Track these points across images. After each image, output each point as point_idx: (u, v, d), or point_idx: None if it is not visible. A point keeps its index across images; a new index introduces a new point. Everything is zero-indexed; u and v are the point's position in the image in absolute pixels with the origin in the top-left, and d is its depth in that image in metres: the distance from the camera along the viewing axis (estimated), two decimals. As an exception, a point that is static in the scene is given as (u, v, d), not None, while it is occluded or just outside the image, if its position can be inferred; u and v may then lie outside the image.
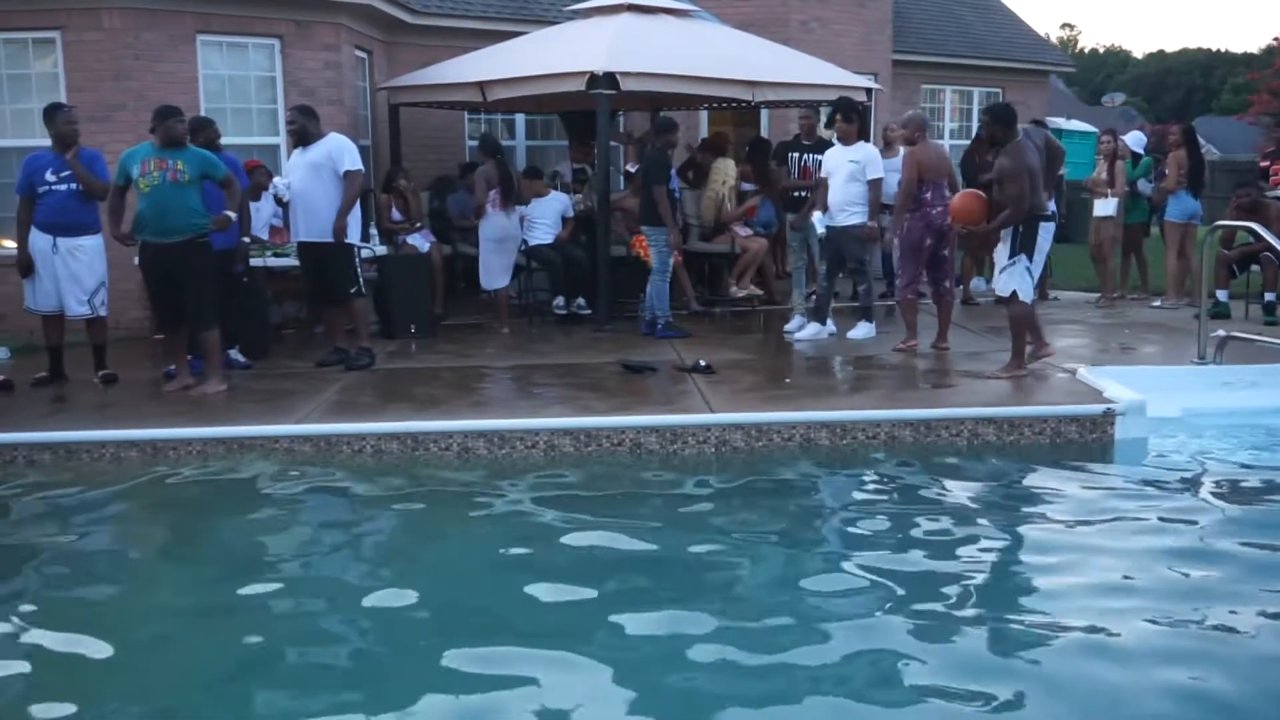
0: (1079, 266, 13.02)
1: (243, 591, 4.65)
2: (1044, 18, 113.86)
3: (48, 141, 7.88)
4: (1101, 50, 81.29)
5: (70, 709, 3.65)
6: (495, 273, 10.01)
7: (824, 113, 10.85)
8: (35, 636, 4.23)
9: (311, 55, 10.52)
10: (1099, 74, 67.41)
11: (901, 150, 9.35)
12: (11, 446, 6.44)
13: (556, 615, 4.37)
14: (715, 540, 5.19)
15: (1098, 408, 6.73)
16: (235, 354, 8.38)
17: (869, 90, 11.70)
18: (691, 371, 7.89)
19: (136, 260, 7.82)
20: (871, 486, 6.09)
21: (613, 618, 4.28)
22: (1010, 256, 7.55)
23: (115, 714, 3.70)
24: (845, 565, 4.91)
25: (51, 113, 7.86)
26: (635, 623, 4.26)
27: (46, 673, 3.95)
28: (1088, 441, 6.64)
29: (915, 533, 5.23)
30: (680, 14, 11.24)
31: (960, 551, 5.01)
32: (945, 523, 5.37)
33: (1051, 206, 8.18)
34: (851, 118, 9.08)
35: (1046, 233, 7.77)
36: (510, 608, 4.44)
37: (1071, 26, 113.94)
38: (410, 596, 4.55)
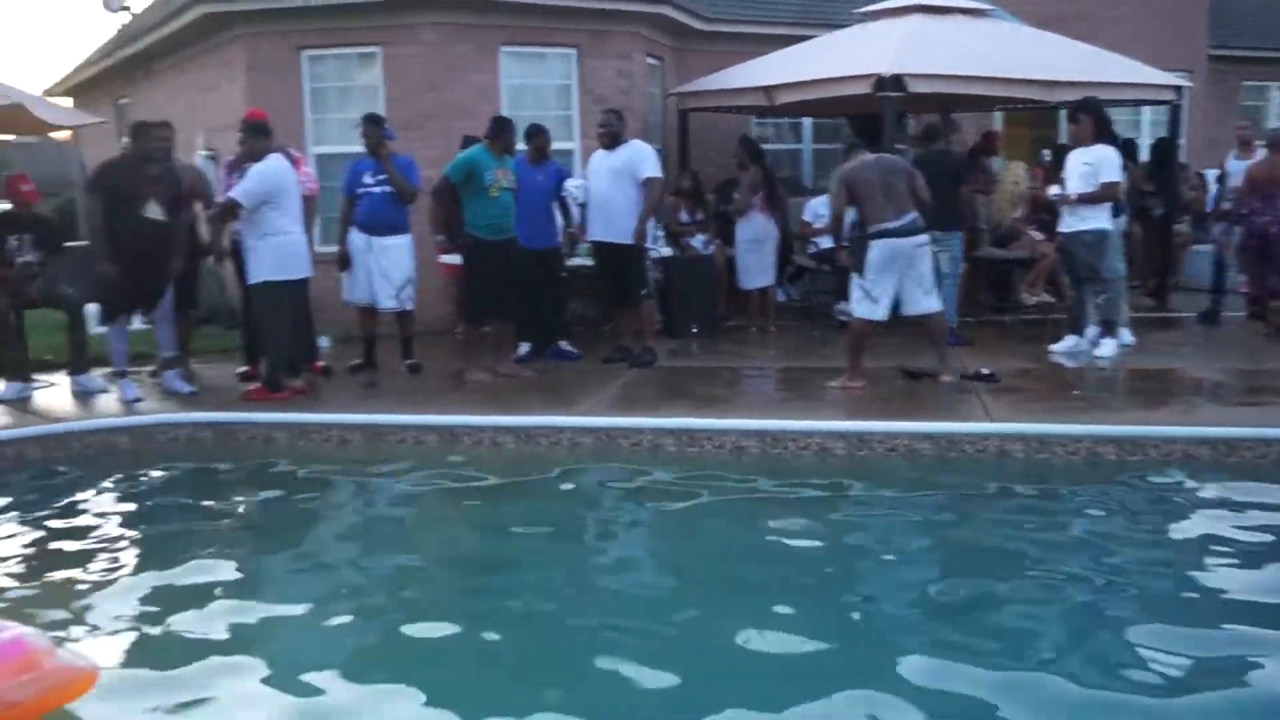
0: None
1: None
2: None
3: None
4: None
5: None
6: (753, 273, 10.22)
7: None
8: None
9: (606, 63, 10.95)
10: None
11: (1259, 152, 9.71)
12: (327, 426, 7.06)
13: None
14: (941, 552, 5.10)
15: None
16: (566, 345, 9.06)
17: (1178, 88, 11.05)
18: (973, 379, 7.71)
19: (457, 258, 8.39)
20: (1137, 505, 5.73)
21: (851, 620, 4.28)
22: None
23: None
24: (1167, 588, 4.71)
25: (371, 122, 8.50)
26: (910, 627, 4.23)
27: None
28: None
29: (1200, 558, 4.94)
30: (974, 13, 10.96)
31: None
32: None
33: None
34: (1078, 118, 8.61)
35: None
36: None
37: None
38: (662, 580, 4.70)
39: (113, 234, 7.45)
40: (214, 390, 8.01)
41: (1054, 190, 8.83)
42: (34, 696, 3.21)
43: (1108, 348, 8.58)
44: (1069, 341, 8.83)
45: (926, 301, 7.61)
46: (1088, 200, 8.35)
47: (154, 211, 7.56)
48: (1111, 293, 8.66)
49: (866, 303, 7.59)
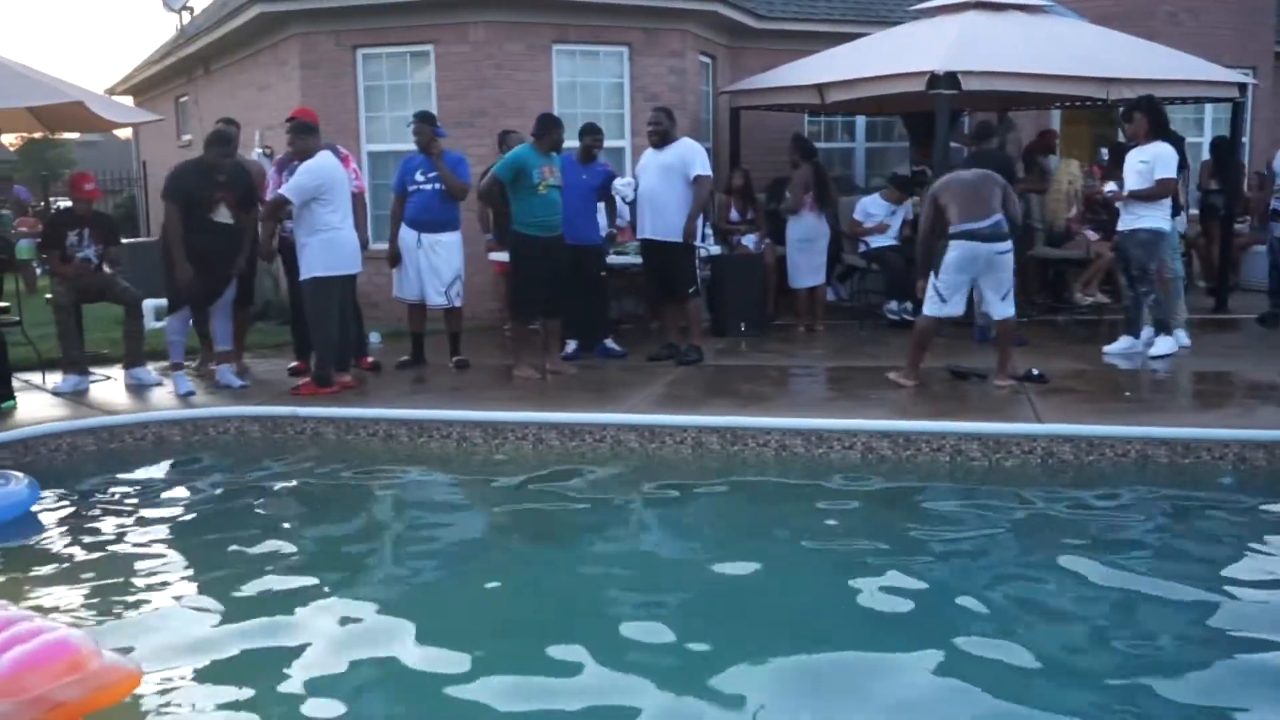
0: None
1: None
2: None
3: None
4: None
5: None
6: (803, 271, 10.19)
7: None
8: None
9: (658, 62, 10.94)
10: None
11: None
12: (374, 421, 7.12)
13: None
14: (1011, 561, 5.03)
15: None
16: (612, 343, 9.04)
17: (1242, 86, 10.84)
18: (1024, 380, 7.61)
19: (507, 255, 8.43)
20: (1186, 510, 5.62)
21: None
22: None
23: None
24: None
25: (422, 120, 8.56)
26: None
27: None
28: None
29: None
30: (1031, 10, 10.82)
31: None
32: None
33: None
34: (1132, 116, 8.46)
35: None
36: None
37: None
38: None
39: (186, 238, 7.59)
40: (264, 384, 8.10)
41: (1109, 187, 8.70)
42: (78, 697, 3.25)
43: (1163, 347, 8.43)
44: (1124, 342, 8.69)
45: (1002, 307, 7.53)
46: (1141, 197, 8.21)
47: (223, 215, 7.74)
48: (1161, 293, 8.51)
49: (935, 301, 7.57)
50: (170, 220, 7.69)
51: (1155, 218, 8.26)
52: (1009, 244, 7.46)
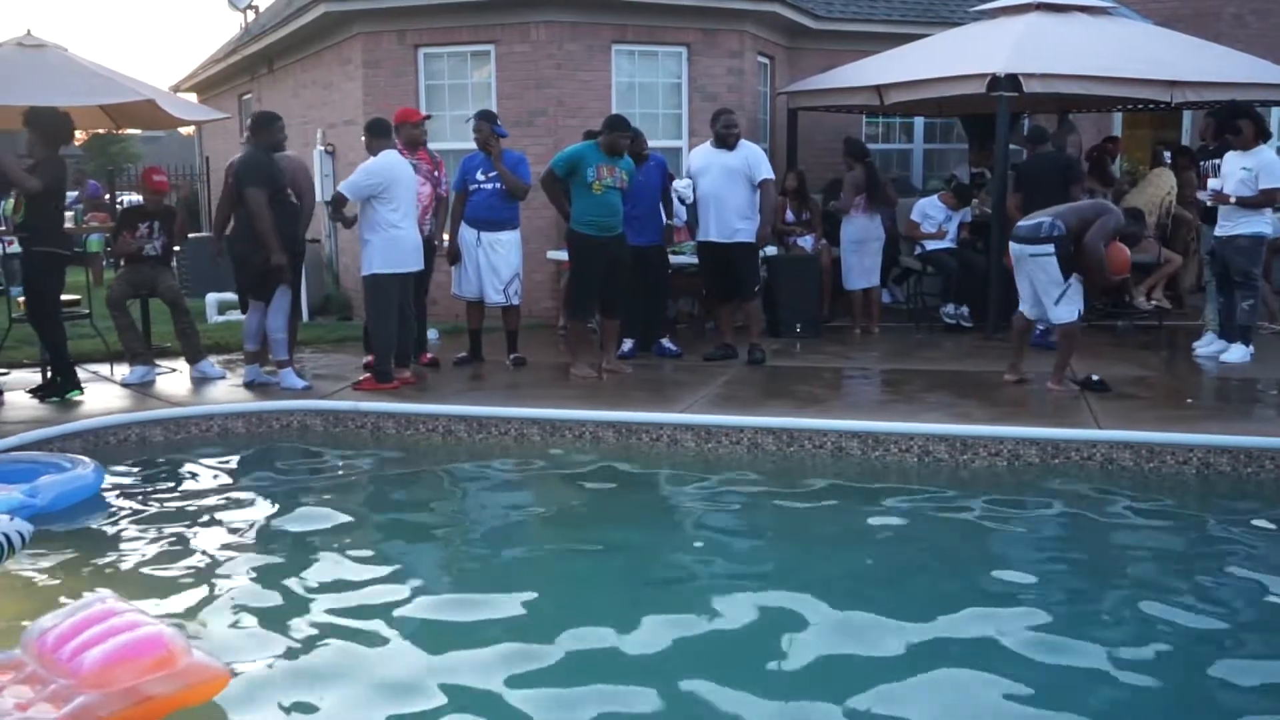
0: None
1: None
2: None
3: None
4: None
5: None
6: (856, 273, 10.20)
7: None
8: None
9: (716, 62, 10.97)
10: None
11: None
12: (434, 417, 7.21)
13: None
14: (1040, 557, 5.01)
15: None
16: (668, 343, 9.09)
17: (1310, 90, 10.66)
18: (1084, 386, 7.56)
19: (566, 254, 8.50)
20: (1250, 521, 5.57)
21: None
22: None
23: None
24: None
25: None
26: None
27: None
28: None
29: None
30: (1095, 11, 10.72)
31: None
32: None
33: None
34: (1239, 126, 8.37)
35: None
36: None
37: None
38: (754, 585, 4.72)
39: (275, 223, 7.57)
40: (326, 379, 8.22)
41: (1212, 184, 8.58)
42: (167, 693, 3.31)
43: (1237, 354, 8.40)
44: (1213, 341, 8.80)
45: (1054, 312, 7.47)
46: (1247, 206, 8.19)
47: (294, 197, 7.88)
48: (1255, 299, 8.49)
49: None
50: (260, 206, 7.50)
51: (1256, 222, 8.25)
52: (1043, 247, 7.33)
